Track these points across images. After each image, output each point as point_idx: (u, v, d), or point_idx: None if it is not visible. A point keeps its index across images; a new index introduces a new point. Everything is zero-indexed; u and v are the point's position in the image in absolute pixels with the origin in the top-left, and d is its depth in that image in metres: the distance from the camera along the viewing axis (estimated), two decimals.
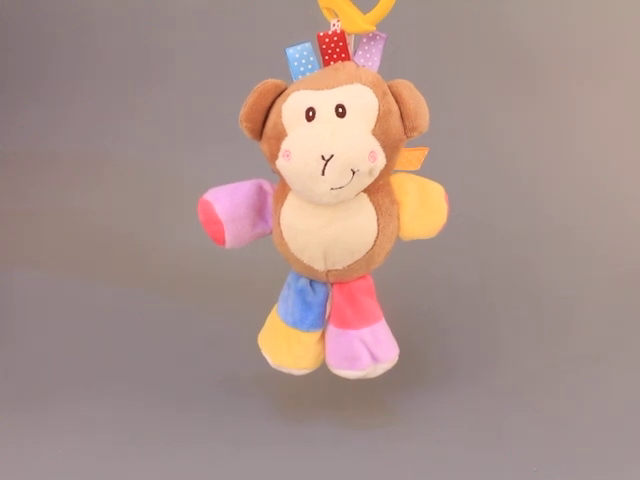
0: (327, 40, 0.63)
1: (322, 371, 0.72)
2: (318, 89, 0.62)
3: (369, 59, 0.64)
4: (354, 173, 0.59)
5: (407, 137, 0.64)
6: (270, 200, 0.69)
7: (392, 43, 0.65)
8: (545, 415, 0.76)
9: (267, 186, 0.69)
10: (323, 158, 0.58)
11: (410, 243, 0.70)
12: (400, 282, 0.97)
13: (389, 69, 0.65)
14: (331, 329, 0.70)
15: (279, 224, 0.67)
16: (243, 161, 0.78)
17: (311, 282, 0.70)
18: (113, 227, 1.20)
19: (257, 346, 0.74)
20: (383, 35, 0.64)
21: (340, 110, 0.61)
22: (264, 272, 0.77)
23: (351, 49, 0.64)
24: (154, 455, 0.72)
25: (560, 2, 1.20)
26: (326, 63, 0.64)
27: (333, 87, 0.61)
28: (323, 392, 0.80)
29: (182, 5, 1.26)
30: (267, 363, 0.74)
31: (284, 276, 0.72)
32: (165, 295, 1.03)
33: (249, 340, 0.75)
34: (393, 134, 0.62)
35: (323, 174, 0.58)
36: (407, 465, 0.70)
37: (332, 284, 0.70)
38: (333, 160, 0.58)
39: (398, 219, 0.67)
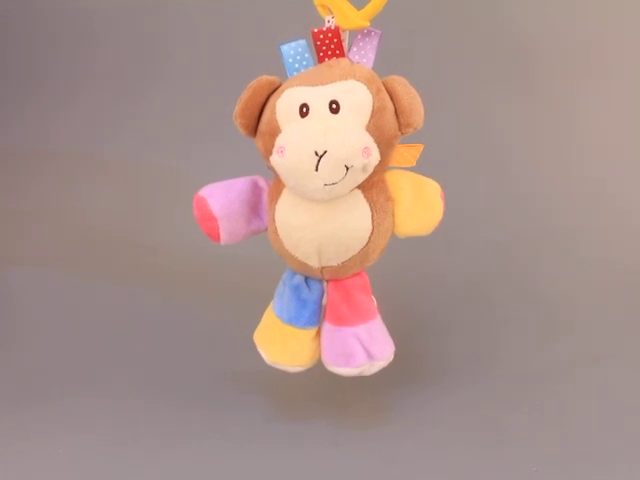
0: (321, 36, 0.63)
1: (321, 370, 0.72)
2: (312, 85, 0.62)
3: (364, 55, 0.64)
4: (348, 169, 0.59)
5: (402, 133, 0.64)
6: (265, 197, 0.69)
7: (389, 40, 0.65)
8: (545, 415, 0.76)
9: (262, 182, 0.69)
10: (317, 154, 0.58)
11: (409, 242, 0.70)
12: (399, 281, 0.97)
13: (385, 66, 0.65)
14: (326, 326, 0.70)
15: (274, 220, 0.67)
16: (243, 160, 0.78)
17: (306, 279, 0.70)
18: (113, 227, 1.20)
19: (254, 343, 0.74)
20: (377, 31, 0.64)
21: (334, 106, 0.61)
22: (263, 270, 0.77)
23: (346, 45, 0.64)
24: (154, 454, 0.72)
25: (560, 2, 1.20)
26: (320, 60, 0.64)
27: (327, 83, 0.61)
28: (321, 391, 0.80)
29: (181, 5, 1.26)
30: (265, 361, 0.73)
31: (282, 274, 0.72)
32: (165, 294, 1.03)
33: (247, 339, 0.75)
34: (387, 130, 0.62)
35: (317, 170, 0.58)
36: (405, 465, 0.70)
37: (327, 281, 0.70)
38: (326, 156, 0.58)
39: (393, 216, 0.67)
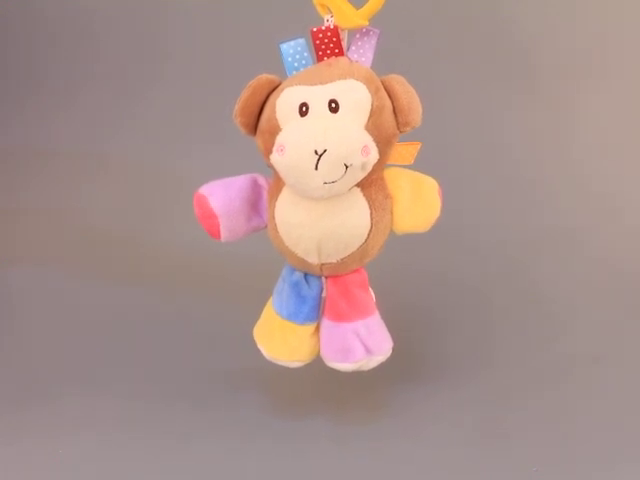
0: (321, 35, 0.63)
1: (320, 366, 0.72)
2: (311, 84, 0.62)
3: (362, 54, 0.64)
4: (347, 167, 0.59)
5: (400, 132, 0.64)
6: (265, 194, 0.69)
7: (388, 39, 0.65)
8: (545, 415, 0.76)
9: (262, 180, 0.69)
10: (316, 153, 0.58)
11: (408, 239, 0.70)
12: (399, 279, 0.98)
13: (384, 65, 0.65)
14: (325, 322, 0.71)
15: (273, 218, 0.67)
16: (243, 160, 0.78)
17: (305, 275, 0.70)
18: (113, 227, 1.20)
19: (254, 340, 0.74)
20: (376, 30, 0.64)
21: (333, 105, 0.61)
22: (263, 267, 0.77)
23: (344, 44, 0.65)
24: (154, 454, 0.72)
25: (560, 2, 1.20)
26: (320, 59, 0.64)
27: (326, 82, 0.62)
28: (321, 387, 0.80)
29: (181, 5, 1.27)
30: (265, 359, 0.73)
31: (281, 270, 0.72)
32: (165, 293, 1.03)
33: (247, 336, 0.75)
34: (386, 129, 0.62)
35: (316, 168, 0.59)
36: (404, 462, 0.70)
37: (326, 277, 0.70)
38: (326, 155, 0.58)
39: (391, 213, 0.67)
